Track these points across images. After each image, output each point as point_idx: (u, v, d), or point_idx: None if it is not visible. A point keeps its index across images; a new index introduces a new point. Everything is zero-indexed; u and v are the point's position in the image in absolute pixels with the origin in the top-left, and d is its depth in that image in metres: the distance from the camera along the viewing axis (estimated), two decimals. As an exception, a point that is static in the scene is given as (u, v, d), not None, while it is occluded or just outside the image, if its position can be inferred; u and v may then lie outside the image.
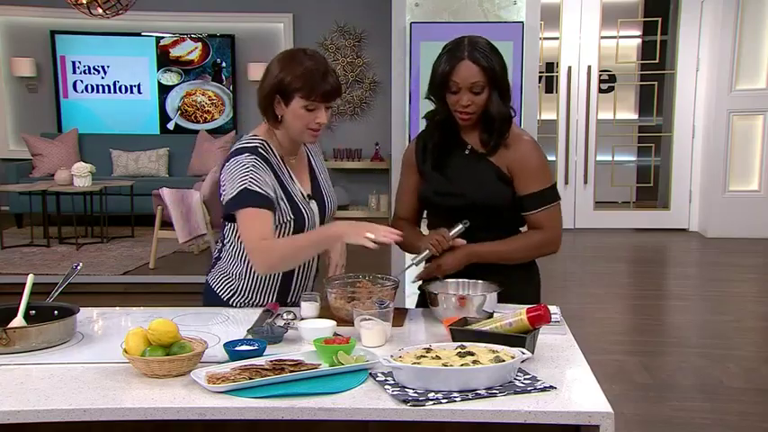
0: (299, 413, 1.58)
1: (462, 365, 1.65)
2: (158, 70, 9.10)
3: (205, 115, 9.20)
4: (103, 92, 9.09)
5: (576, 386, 1.71)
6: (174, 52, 9.11)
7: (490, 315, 2.04)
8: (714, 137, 7.95)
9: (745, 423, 3.60)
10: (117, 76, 9.07)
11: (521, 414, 1.55)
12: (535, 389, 1.64)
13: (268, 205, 2.15)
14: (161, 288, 5.66)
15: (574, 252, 7.24)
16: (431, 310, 2.20)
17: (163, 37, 9.05)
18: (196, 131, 8.91)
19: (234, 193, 2.15)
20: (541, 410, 1.55)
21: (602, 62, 8.47)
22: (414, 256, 2.32)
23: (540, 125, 4.97)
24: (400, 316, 2.19)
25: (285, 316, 2.10)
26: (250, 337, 1.94)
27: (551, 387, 1.65)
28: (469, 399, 1.59)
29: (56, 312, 2.03)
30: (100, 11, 6.80)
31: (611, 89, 8.74)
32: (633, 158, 9.14)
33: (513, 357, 1.69)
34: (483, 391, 1.61)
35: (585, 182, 8.51)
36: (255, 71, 8.63)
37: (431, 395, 1.59)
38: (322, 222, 2.33)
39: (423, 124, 2.47)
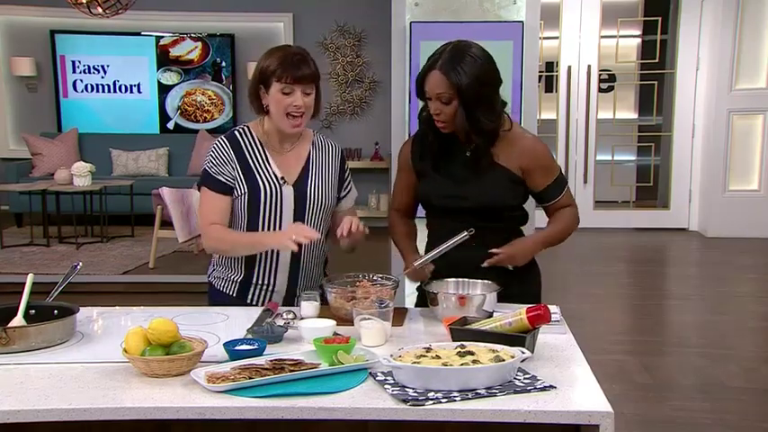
0: (298, 413, 1.58)
1: (462, 365, 1.65)
2: (158, 70, 9.09)
3: (205, 115, 9.20)
4: (103, 91, 9.08)
5: (576, 386, 1.71)
6: (174, 52, 9.10)
7: (490, 315, 2.05)
8: (714, 136, 7.94)
9: (745, 423, 3.59)
10: (117, 75, 9.06)
11: (521, 413, 1.55)
12: (535, 388, 1.64)
13: (222, 190, 2.34)
14: (161, 288, 5.66)
15: (574, 252, 7.21)
16: (431, 309, 2.20)
17: (163, 36, 9.04)
18: (196, 131, 8.91)
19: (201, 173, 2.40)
20: (541, 410, 1.55)
21: (602, 62, 8.47)
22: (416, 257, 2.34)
23: (539, 125, 4.96)
24: (400, 315, 2.19)
25: (285, 315, 2.11)
26: (250, 336, 1.94)
27: (551, 387, 1.65)
28: (469, 398, 1.59)
29: (56, 312, 2.04)
30: (100, 10, 6.80)
31: (610, 89, 8.74)
32: (633, 158, 9.14)
33: (512, 357, 1.69)
34: (483, 391, 1.61)
35: (585, 181, 8.51)
36: (255, 71, 8.62)
37: (431, 395, 1.59)
38: (297, 208, 2.36)
39: (421, 123, 2.47)
